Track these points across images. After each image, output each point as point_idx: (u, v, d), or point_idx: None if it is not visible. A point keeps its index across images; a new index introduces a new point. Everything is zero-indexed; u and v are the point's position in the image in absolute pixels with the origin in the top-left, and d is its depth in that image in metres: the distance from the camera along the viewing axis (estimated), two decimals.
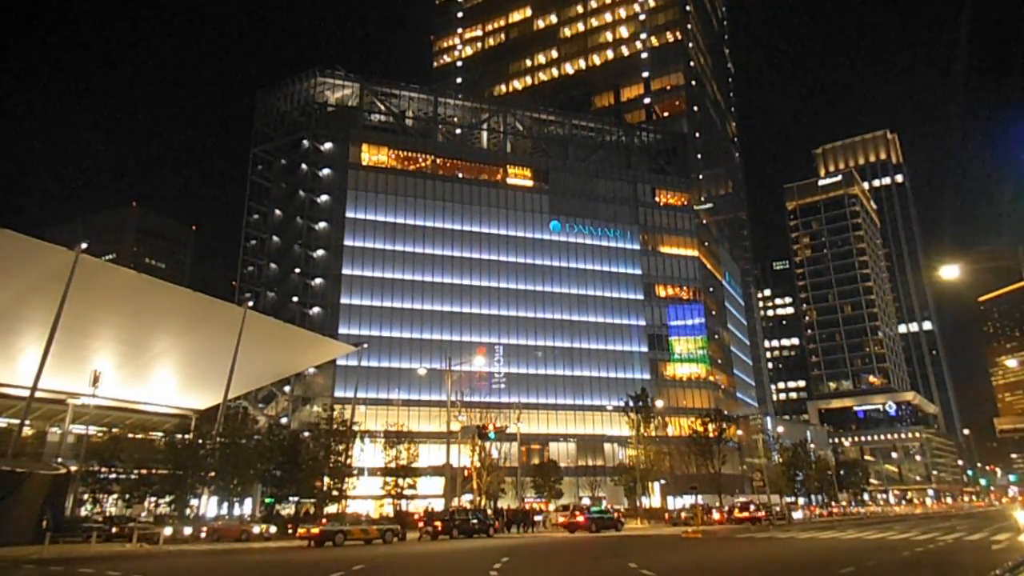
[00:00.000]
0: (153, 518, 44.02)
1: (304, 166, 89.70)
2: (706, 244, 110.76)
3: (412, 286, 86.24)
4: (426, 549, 30.66)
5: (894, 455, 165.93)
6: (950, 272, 21.30)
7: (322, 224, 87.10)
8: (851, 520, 67.79)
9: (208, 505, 47.53)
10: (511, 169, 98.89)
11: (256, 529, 40.54)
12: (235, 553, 29.52)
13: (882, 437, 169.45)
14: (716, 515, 59.66)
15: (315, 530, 33.87)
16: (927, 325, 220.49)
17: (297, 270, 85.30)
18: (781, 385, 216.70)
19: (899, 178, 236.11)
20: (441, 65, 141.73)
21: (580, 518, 48.24)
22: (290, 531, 43.06)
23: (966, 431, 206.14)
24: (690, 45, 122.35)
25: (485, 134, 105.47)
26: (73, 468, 41.79)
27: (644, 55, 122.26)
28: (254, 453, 46.56)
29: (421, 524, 43.98)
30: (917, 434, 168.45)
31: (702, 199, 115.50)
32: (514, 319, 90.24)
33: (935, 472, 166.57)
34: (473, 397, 71.30)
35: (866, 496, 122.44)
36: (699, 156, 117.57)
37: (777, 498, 76.57)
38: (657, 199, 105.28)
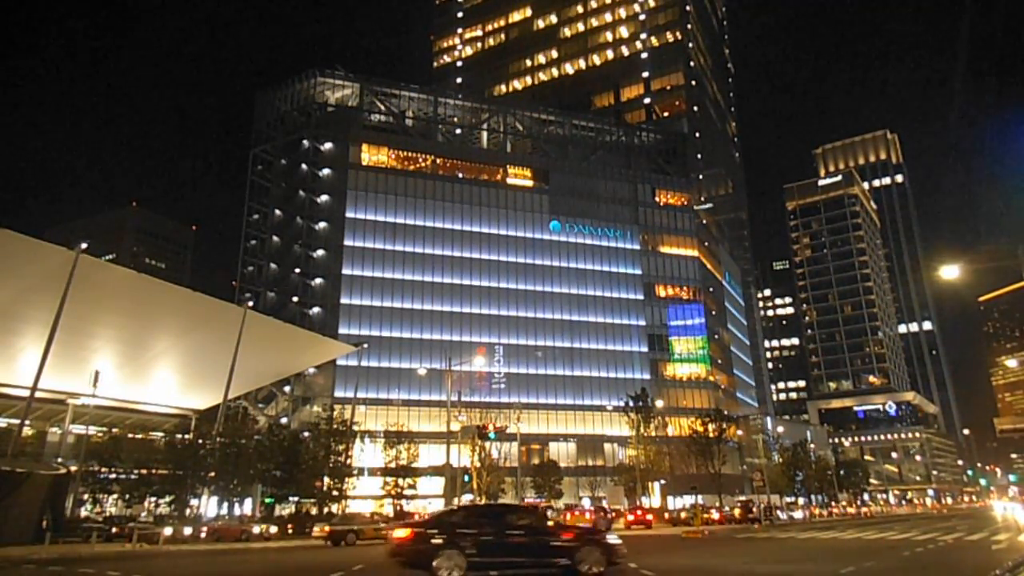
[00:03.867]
0: (153, 518, 44.02)
1: (304, 166, 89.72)
2: (706, 244, 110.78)
3: (412, 286, 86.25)
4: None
5: (894, 455, 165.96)
6: (950, 272, 21.30)
7: (322, 224, 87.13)
8: (851, 520, 67.81)
9: (208, 505, 47.53)
10: (511, 169, 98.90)
11: (256, 529, 40.54)
12: (235, 553, 29.51)
13: (882, 437, 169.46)
14: (716, 515, 59.65)
15: (325, 529, 34.53)
16: (927, 325, 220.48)
17: (297, 270, 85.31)
18: (781, 385, 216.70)
19: (899, 178, 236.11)
20: (441, 65, 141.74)
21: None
22: (290, 531, 43.07)
23: (966, 431, 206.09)
24: (690, 45, 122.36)
25: (485, 134, 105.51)
26: (73, 468, 41.76)
27: (644, 55, 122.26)
28: (254, 453, 46.56)
29: None
30: (917, 434, 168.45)
31: (702, 199, 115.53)
32: (514, 319, 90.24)
33: (935, 472, 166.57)
34: (473, 397, 71.31)
35: (866, 496, 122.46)
36: (699, 156, 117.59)
37: (767, 499, 76.51)
38: (657, 199, 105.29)
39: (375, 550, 29.84)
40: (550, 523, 19.05)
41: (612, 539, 17.10)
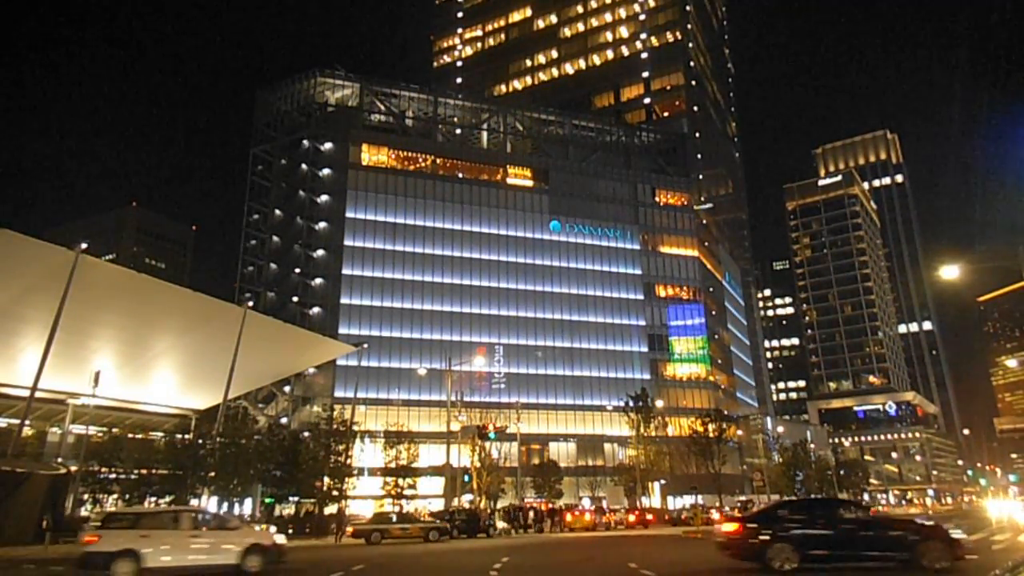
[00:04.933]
0: None
1: (304, 166, 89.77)
2: (706, 244, 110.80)
3: (412, 286, 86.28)
4: (426, 548, 30.68)
5: (894, 455, 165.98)
6: (950, 272, 21.33)
7: (322, 224, 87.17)
8: None
9: (208, 505, 47.48)
10: (511, 169, 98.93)
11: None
12: None
13: (882, 437, 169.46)
14: (716, 515, 59.63)
15: (349, 529, 35.02)
16: (927, 325, 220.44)
17: (297, 270, 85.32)
18: (781, 385, 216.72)
19: (899, 178, 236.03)
20: (441, 65, 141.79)
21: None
22: (290, 531, 42.99)
23: (966, 431, 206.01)
24: (690, 45, 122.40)
25: (485, 134, 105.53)
26: (73, 468, 41.73)
27: (644, 55, 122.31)
28: (254, 453, 46.45)
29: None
30: (917, 434, 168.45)
31: (702, 199, 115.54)
32: (514, 319, 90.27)
33: (935, 472, 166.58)
34: (473, 397, 71.33)
35: (866, 496, 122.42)
36: (699, 156, 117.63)
37: (767, 499, 76.43)
38: (657, 199, 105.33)
39: (378, 550, 29.89)
40: (883, 516, 19.56)
41: (957, 534, 16.61)
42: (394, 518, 38.66)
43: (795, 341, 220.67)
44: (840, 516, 17.15)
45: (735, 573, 16.78)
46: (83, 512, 43.79)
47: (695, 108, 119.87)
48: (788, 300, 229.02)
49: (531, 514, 50.69)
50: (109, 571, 16.49)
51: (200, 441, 44.37)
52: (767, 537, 16.10)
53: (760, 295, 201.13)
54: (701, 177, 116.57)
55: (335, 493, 50.31)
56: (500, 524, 46.01)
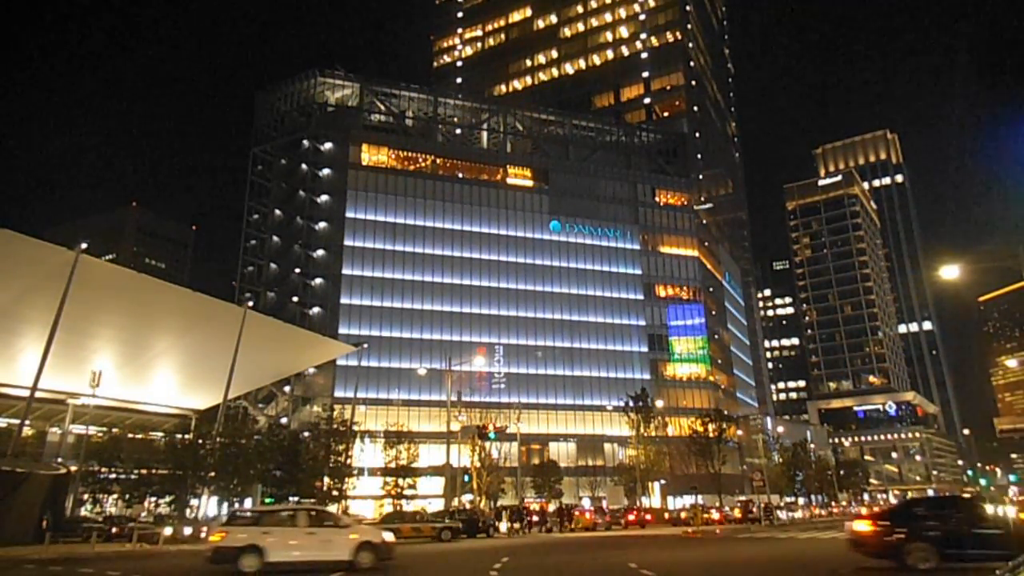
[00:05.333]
0: (153, 518, 43.97)
1: (304, 166, 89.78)
2: (706, 244, 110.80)
3: (412, 286, 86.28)
4: (424, 549, 30.67)
5: (894, 455, 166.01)
6: (950, 272, 21.34)
7: (322, 224, 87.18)
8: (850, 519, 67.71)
9: (208, 505, 47.48)
10: (511, 169, 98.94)
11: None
12: None
13: (882, 437, 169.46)
14: (716, 515, 59.64)
15: None
16: (927, 325, 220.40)
17: (297, 270, 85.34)
18: (781, 385, 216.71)
19: (899, 178, 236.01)
20: (441, 65, 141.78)
21: None
22: None
23: (966, 431, 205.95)
24: (690, 45, 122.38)
25: (485, 134, 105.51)
26: (73, 468, 41.73)
27: (644, 55, 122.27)
28: (254, 453, 46.42)
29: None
30: (917, 434, 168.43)
31: (702, 199, 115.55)
32: (514, 319, 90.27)
33: (935, 472, 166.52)
34: (473, 397, 71.34)
35: (866, 496, 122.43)
36: (699, 156, 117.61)
37: (767, 499, 76.49)
38: (657, 199, 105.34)
39: None
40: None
41: None
42: (405, 518, 38.77)
43: (795, 341, 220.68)
44: (979, 514, 16.80)
45: (728, 567, 16.75)
46: (83, 512, 43.83)
47: (695, 108, 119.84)
48: (788, 300, 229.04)
49: (534, 515, 50.71)
50: (236, 564, 17.84)
51: (200, 441, 44.28)
52: (902, 535, 15.97)
53: (760, 295, 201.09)
54: (701, 177, 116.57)
55: (335, 493, 50.34)
56: (503, 526, 45.95)
